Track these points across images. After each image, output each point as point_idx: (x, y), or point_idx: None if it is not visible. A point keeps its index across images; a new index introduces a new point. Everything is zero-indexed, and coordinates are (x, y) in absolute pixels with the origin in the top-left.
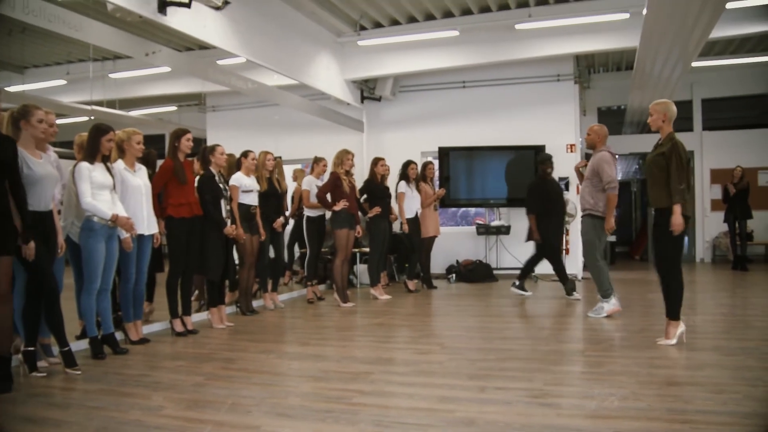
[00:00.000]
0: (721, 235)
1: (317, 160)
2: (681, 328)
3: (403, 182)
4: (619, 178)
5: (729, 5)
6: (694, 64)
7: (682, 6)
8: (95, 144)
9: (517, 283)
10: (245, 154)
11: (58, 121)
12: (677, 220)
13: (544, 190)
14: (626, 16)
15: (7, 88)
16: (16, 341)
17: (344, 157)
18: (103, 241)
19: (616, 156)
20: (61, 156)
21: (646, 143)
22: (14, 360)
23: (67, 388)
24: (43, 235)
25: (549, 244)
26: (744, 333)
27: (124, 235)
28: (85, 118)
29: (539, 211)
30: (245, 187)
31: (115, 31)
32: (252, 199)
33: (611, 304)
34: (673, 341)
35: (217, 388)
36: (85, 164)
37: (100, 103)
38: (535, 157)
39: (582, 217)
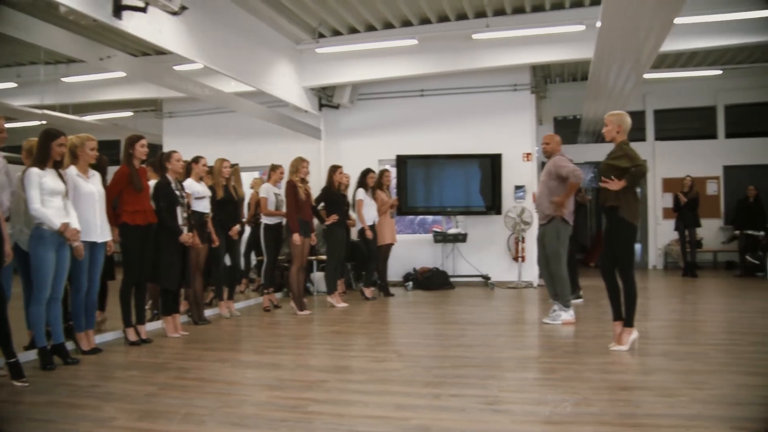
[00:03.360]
0: (673, 242)
1: (274, 168)
2: (634, 334)
3: (361, 189)
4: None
5: (677, 20)
6: (647, 75)
7: (633, 20)
8: (45, 149)
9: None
10: (196, 159)
11: (8, 125)
12: (615, 185)
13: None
14: (582, 28)
15: None
16: None
17: (299, 165)
18: (53, 249)
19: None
20: (11, 161)
21: (600, 152)
22: None
23: (14, 401)
24: None
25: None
26: (693, 338)
27: (76, 242)
28: (37, 123)
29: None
30: (197, 193)
31: (68, 34)
32: (204, 206)
33: (569, 315)
34: (626, 347)
35: (170, 398)
36: (34, 170)
37: (52, 108)
38: (492, 166)
39: (544, 225)
